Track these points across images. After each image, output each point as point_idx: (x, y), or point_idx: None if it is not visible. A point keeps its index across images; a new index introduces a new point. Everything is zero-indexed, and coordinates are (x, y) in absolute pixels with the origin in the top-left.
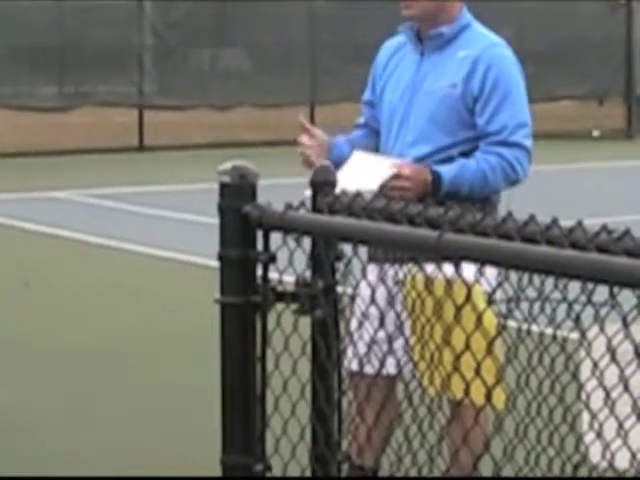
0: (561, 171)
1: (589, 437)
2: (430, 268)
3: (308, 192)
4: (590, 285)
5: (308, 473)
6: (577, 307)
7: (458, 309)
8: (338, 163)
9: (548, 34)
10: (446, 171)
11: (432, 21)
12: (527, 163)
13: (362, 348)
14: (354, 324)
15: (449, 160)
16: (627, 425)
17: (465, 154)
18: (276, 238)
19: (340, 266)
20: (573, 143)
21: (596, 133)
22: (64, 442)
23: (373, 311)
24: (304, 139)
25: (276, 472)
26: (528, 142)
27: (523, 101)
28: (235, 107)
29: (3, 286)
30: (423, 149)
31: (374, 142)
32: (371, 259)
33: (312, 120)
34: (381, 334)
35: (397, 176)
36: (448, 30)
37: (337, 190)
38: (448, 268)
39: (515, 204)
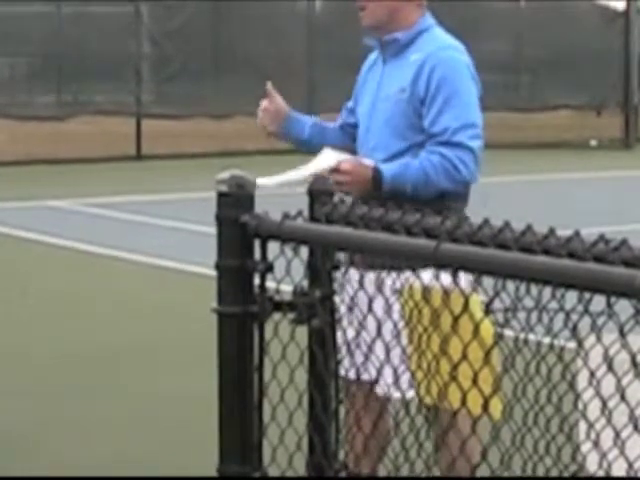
0: (558, 180)
1: (586, 447)
2: (407, 274)
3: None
4: (587, 295)
5: None
6: (574, 317)
7: (455, 318)
8: (289, 136)
9: (546, 44)
10: (388, 169)
11: (387, 28)
12: (473, 163)
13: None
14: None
15: None
16: (624, 435)
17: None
18: (273, 247)
19: (337, 275)
20: (571, 153)
21: (594, 143)
22: (62, 451)
23: (349, 315)
24: (264, 103)
25: None
26: (473, 143)
27: (470, 102)
28: (233, 116)
29: (2, 296)
30: (381, 155)
31: (344, 140)
32: (352, 264)
33: None
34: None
35: (337, 170)
36: (403, 36)
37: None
38: (445, 277)
39: (513, 213)
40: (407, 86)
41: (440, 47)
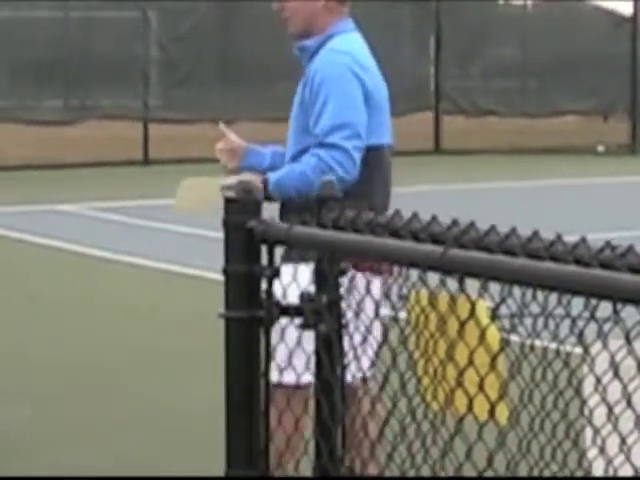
0: (565, 186)
1: (592, 453)
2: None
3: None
4: (593, 301)
5: None
6: (580, 323)
7: (462, 324)
8: (251, 168)
9: (553, 49)
10: (273, 175)
11: (308, 36)
12: (349, 163)
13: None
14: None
15: None
16: (630, 441)
17: None
18: (280, 253)
19: (344, 281)
20: (577, 158)
21: (601, 148)
22: (61, 451)
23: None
24: (219, 144)
25: None
26: (347, 143)
27: (346, 103)
28: (240, 121)
29: (6, 299)
30: (287, 157)
31: None
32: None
33: None
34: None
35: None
36: (311, 42)
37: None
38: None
39: (519, 218)
40: (300, 91)
41: (327, 51)
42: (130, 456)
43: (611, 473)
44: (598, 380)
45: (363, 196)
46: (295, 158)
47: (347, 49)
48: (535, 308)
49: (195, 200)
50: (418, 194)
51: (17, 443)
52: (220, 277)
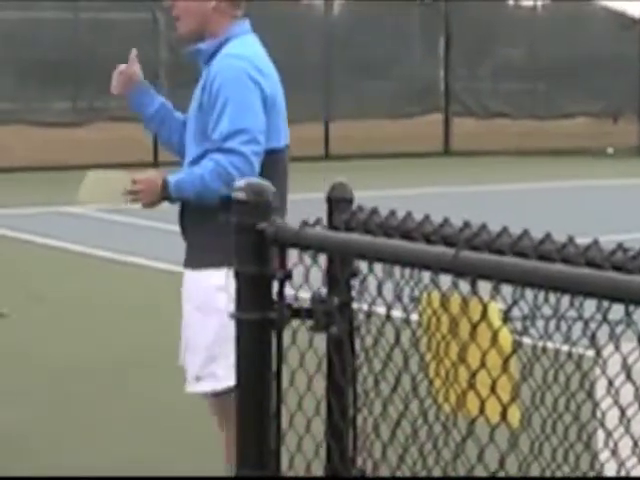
0: (575, 188)
1: (604, 455)
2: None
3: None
4: (606, 303)
5: None
6: (593, 325)
7: (474, 326)
8: (135, 103)
9: (562, 52)
10: (173, 177)
11: (201, 38)
12: (247, 168)
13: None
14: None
15: None
16: None
17: None
18: (292, 254)
19: (356, 283)
20: (587, 160)
21: (610, 150)
22: (61, 451)
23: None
24: (122, 66)
25: None
26: (246, 148)
27: (244, 108)
28: None
29: (11, 299)
30: (186, 161)
31: (181, 134)
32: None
33: (327, 135)
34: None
35: (133, 181)
36: (206, 46)
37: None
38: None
39: (530, 220)
40: (198, 96)
41: (224, 56)
42: (130, 456)
43: (623, 475)
44: (610, 382)
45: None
46: (195, 161)
47: (244, 53)
48: (547, 310)
49: (101, 192)
50: (427, 196)
51: (18, 443)
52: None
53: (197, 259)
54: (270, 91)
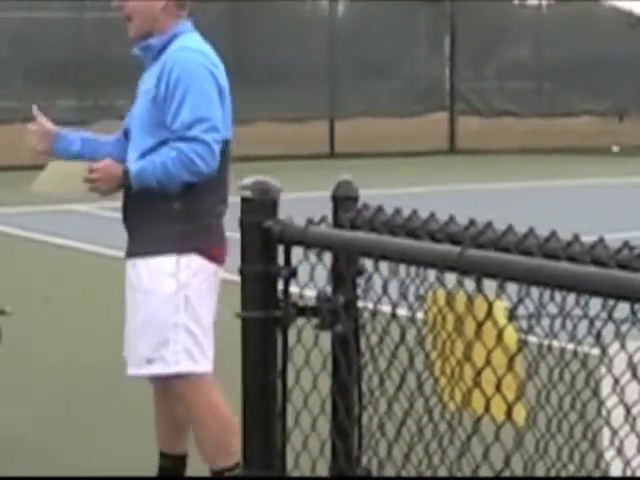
0: (581, 186)
1: (610, 454)
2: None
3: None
4: (611, 301)
5: None
6: (598, 323)
7: (479, 324)
8: (58, 152)
9: (568, 50)
10: (134, 166)
11: (147, 36)
12: (209, 155)
13: None
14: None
15: None
16: None
17: None
18: (297, 253)
19: (361, 281)
20: (593, 159)
21: (616, 149)
22: (62, 451)
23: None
24: (31, 125)
25: None
26: (207, 136)
27: (204, 98)
28: (254, 122)
29: (19, 299)
30: (135, 153)
31: (119, 152)
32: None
33: (332, 133)
34: None
35: (91, 170)
36: (156, 41)
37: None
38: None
39: (535, 219)
40: (152, 87)
41: (178, 49)
42: (130, 456)
43: (629, 474)
44: (616, 381)
45: (219, 187)
46: (147, 153)
47: (199, 48)
48: (553, 308)
49: (60, 182)
50: (432, 194)
51: (18, 443)
52: (235, 277)
53: (146, 248)
54: (223, 84)
